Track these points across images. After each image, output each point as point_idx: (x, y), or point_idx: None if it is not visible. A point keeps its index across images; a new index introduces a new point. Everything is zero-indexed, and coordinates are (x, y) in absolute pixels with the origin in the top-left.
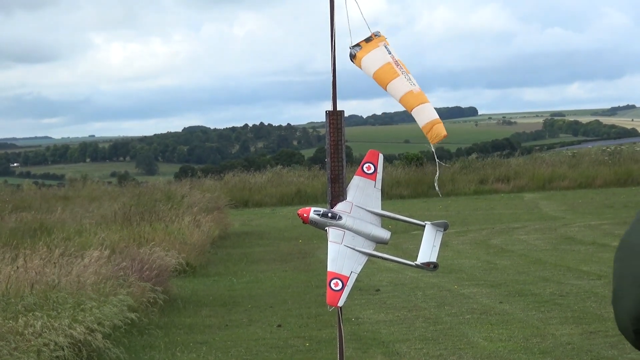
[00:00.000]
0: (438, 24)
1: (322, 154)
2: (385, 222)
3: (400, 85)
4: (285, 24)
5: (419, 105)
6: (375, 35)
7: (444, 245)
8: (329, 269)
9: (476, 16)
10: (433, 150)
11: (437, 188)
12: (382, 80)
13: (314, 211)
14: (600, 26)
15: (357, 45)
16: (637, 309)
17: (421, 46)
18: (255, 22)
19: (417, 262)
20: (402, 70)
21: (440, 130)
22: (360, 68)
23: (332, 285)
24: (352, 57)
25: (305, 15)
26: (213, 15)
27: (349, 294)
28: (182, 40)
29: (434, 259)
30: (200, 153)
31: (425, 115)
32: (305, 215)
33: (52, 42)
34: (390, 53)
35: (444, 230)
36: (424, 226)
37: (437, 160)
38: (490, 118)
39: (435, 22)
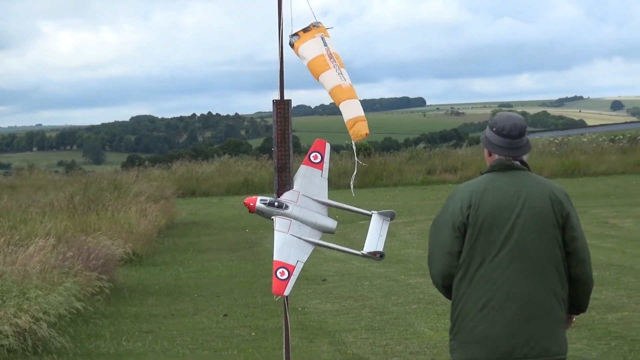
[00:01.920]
0: (389, 14)
1: (269, 143)
2: (332, 211)
3: (330, 78)
4: (235, 13)
5: (346, 100)
6: (314, 26)
7: (390, 235)
8: (275, 258)
9: (426, 7)
10: (354, 147)
11: (352, 187)
12: (314, 71)
13: (260, 200)
14: (551, 17)
15: (296, 34)
16: (443, 270)
17: (371, 37)
18: (205, 11)
19: (363, 252)
20: (334, 63)
21: (362, 128)
22: (298, 56)
23: (278, 275)
24: (291, 45)
25: (255, 5)
26: (163, 4)
27: (295, 283)
28: (132, 30)
29: (380, 249)
30: (147, 142)
31: (350, 110)
32: (251, 204)
33: (1, 30)
34: (326, 45)
35: (391, 219)
36: (371, 215)
37: (356, 159)
38: (438, 108)
39: (385, 13)
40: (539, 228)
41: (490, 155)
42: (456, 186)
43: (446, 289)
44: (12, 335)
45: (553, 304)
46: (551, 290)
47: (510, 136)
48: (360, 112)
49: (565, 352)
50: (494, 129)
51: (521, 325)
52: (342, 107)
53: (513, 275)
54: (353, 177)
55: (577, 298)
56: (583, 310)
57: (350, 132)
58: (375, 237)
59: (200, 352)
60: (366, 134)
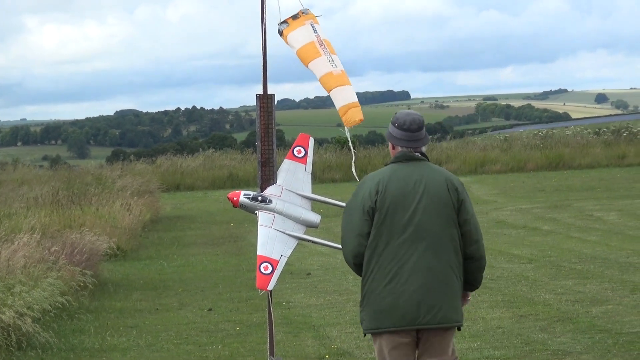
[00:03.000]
0: (374, 7)
1: (254, 137)
2: (317, 205)
3: (321, 66)
4: (219, 7)
5: (337, 87)
6: (303, 13)
7: None
8: (258, 253)
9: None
10: (348, 135)
11: (354, 174)
12: (304, 59)
13: (244, 195)
14: (536, 10)
15: (284, 22)
16: (355, 249)
17: (356, 29)
18: (189, 5)
19: None
20: (325, 50)
21: (356, 114)
22: (287, 44)
23: (262, 269)
24: (280, 33)
25: None
26: None
27: (279, 277)
28: (117, 23)
29: None
30: (132, 137)
31: (342, 97)
32: (235, 198)
33: None
34: (316, 32)
35: None
36: None
37: (351, 148)
38: (422, 102)
39: (370, 6)
40: (437, 211)
41: (394, 148)
42: (365, 175)
43: (357, 266)
44: None
45: (451, 277)
46: (449, 265)
47: (410, 130)
48: (353, 97)
49: (462, 320)
50: (396, 124)
51: (424, 296)
52: (334, 94)
53: (416, 252)
54: (353, 164)
55: (472, 275)
56: (477, 287)
57: (344, 118)
58: None
59: (184, 347)
60: (360, 119)
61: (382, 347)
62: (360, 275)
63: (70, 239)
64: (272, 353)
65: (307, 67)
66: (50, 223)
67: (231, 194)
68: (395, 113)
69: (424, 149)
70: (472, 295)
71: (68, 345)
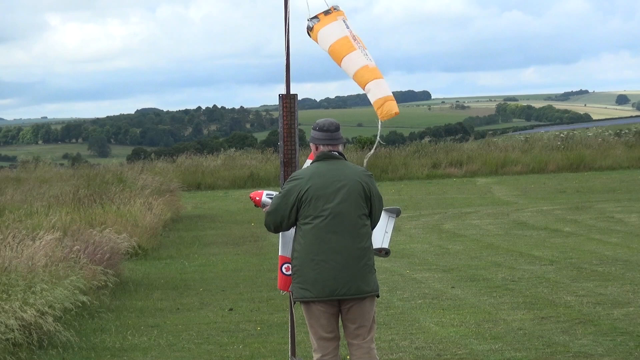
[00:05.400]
0: (396, 7)
1: (275, 137)
2: None
3: (356, 59)
4: (242, 6)
5: (373, 80)
6: (335, 9)
7: (396, 229)
8: (280, 253)
9: (434, 0)
10: (379, 127)
11: (365, 164)
12: (337, 54)
13: (267, 194)
14: (559, 10)
15: (315, 17)
16: (276, 222)
17: (378, 29)
18: (211, 4)
19: None
20: (359, 45)
21: (392, 107)
22: (317, 42)
23: (284, 270)
24: (309, 29)
25: None
26: None
27: None
28: (139, 22)
29: (386, 245)
30: (152, 135)
31: (378, 90)
32: (257, 198)
33: (8, 23)
34: (348, 27)
35: (397, 216)
36: None
37: (378, 138)
38: (443, 102)
39: (393, 5)
40: (351, 201)
41: (317, 149)
42: (295, 172)
43: (275, 231)
44: (17, 329)
45: (364, 256)
46: (362, 246)
47: (329, 130)
48: (388, 91)
49: (377, 290)
50: (317, 128)
51: (341, 272)
52: (371, 86)
53: (334, 235)
54: (368, 155)
55: None
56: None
57: (379, 111)
58: (380, 234)
59: (205, 347)
60: (396, 112)
61: (310, 313)
62: (272, 231)
63: (91, 238)
64: (293, 354)
65: (340, 63)
66: (72, 222)
67: (253, 193)
68: (316, 120)
69: (341, 148)
70: (493, 297)
71: (89, 344)
